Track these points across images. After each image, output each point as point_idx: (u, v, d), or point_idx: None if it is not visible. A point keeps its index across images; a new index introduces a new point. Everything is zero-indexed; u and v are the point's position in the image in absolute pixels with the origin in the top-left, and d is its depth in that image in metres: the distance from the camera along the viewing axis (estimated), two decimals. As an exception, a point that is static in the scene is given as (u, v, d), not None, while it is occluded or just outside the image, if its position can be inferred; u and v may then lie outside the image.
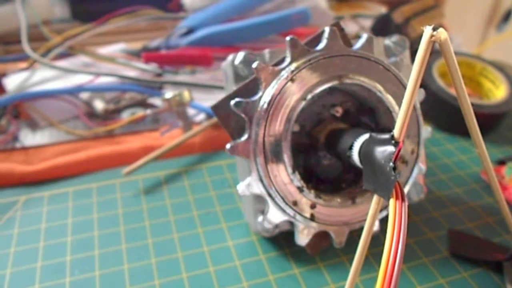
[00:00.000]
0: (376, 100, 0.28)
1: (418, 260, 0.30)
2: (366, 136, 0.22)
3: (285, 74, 0.25)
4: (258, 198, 0.28)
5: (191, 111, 0.43)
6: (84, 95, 0.44)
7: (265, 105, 0.25)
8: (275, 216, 0.27)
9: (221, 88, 0.46)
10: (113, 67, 0.50)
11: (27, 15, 0.52)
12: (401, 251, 0.14)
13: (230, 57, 0.28)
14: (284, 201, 0.26)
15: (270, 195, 0.26)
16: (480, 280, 0.29)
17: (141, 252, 0.30)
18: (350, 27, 0.63)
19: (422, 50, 0.16)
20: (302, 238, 0.28)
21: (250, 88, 0.26)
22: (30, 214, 0.33)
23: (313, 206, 0.27)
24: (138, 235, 0.31)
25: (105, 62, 0.51)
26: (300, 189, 0.26)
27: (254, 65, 0.25)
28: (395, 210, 0.15)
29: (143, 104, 0.46)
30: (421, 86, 0.43)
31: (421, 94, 0.29)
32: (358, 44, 0.27)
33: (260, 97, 0.26)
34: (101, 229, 0.31)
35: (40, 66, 0.49)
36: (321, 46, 0.26)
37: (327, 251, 0.30)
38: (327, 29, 0.26)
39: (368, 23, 0.63)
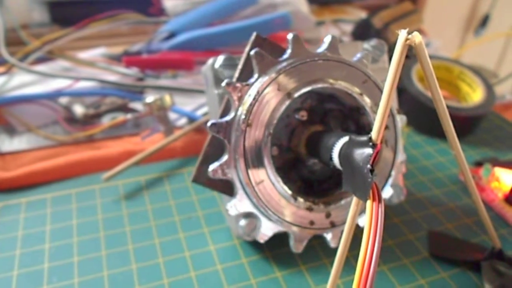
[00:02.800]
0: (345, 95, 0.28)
1: (398, 261, 0.30)
2: (345, 139, 0.22)
3: (254, 89, 0.25)
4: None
5: (172, 115, 0.42)
6: (63, 100, 0.44)
7: (242, 119, 0.25)
8: (268, 229, 0.27)
9: (202, 92, 0.46)
10: (93, 72, 0.50)
11: (5, 19, 0.52)
12: (377, 251, 0.15)
13: (210, 60, 0.28)
14: (275, 215, 0.26)
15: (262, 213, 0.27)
16: (459, 280, 0.29)
17: (122, 258, 0.29)
18: (332, 32, 0.63)
19: (398, 54, 0.16)
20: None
21: (227, 109, 0.26)
22: (6, 222, 0.32)
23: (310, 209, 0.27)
24: (118, 241, 0.31)
25: (85, 67, 0.50)
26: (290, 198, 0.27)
27: (223, 83, 0.25)
28: (372, 211, 0.16)
29: (124, 109, 0.45)
30: (401, 89, 0.44)
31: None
32: (324, 47, 0.27)
33: (234, 117, 0.25)
34: (81, 236, 0.31)
35: (18, 71, 0.48)
36: (287, 54, 0.26)
37: (309, 254, 0.30)
38: (289, 36, 0.26)
39: (349, 27, 0.64)
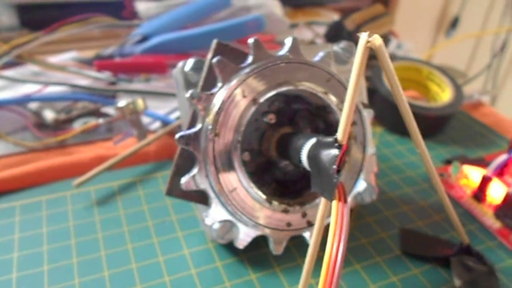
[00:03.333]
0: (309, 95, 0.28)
1: (371, 259, 0.31)
2: (313, 140, 0.22)
3: (219, 98, 0.25)
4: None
5: (145, 119, 0.42)
6: (33, 105, 0.43)
7: (209, 129, 0.25)
8: (246, 234, 0.27)
9: (175, 95, 0.46)
10: (64, 76, 0.49)
11: (-29, 22, 0.50)
12: (343, 251, 0.15)
13: (180, 63, 0.28)
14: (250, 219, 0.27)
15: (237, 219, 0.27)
16: (429, 276, 0.30)
17: (94, 265, 0.29)
18: (305, 34, 0.64)
19: (359, 56, 0.16)
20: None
21: (194, 120, 0.26)
22: (-27, 231, 0.31)
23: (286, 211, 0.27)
24: (90, 248, 0.30)
25: (56, 71, 0.49)
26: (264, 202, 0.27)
27: (187, 94, 0.25)
28: (338, 211, 0.16)
29: (96, 113, 0.45)
30: (372, 90, 0.44)
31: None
32: (285, 49, 0.27)
33: (201, 128, 0.25)
34: (51, 244, 0.30)
35: (-15, 76, 0.47)
36: (249, 60, 0.26)
37: (283, 255, 0.30)
38: (250, 41, 0.26)
39: (322, 30, 0.64)
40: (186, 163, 0.27)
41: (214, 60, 0.25)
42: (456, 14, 1.12)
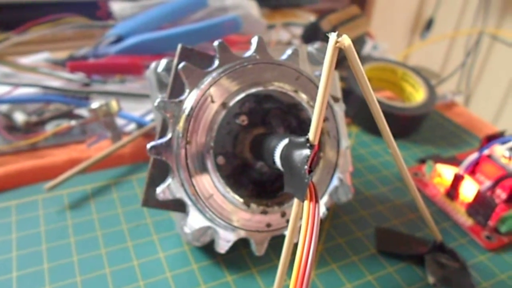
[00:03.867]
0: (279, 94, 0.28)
1: (347, 259, 0.31)
2: (286, 141, 0.22)
3: (188, 104, 0.25)
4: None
5: (120, 121, 0.41)
6: (3, 107, 0.42)
7: (180, 138, 0.25)
8: (226, 239, 0.27)
9: (149, 96, 0.45)
10: (36, 78, 0.48)
11: None
12: (313, 250, 0.15)
13: (153, 64, 0.28)
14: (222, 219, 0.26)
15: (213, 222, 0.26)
16: (404, 273, 0.30)
17: (65, 271, 0.28)
18: (282, 35, 0.64)
19: (329, 56, 0.16)
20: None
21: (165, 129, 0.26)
22: None
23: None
24: (62, 253, 0.29)
25: (27, 72, 0.48)
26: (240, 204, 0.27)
27: (156, 103, 0.24)
28: (309, 212, 0.16)
29: (69, 115, 0.44)
30: (348, 91, 0.45)
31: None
32: (252, 49, 0.27)
33: (171, 137, 0.25)
34: (21, 250, 0.29)
35: (-47, 77, 0.46)
36: (215, 63, 0.26)
37: (259, 256, 0.30)
38: (215, 44, 0.26)
39: (299, 31, 0.65)
40: (160, 172, 0.26)
41: (180, 66, 0.25)
42: (431, 16, 1.14)
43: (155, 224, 0.32)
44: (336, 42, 0.16)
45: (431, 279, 0.29)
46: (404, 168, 0.23)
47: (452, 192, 0.36)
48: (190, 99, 0.25)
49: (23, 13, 0.55)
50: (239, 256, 0.30)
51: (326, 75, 0.16)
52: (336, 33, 0.16)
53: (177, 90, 0.26)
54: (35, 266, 0.28)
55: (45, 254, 0.29)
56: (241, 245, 0.30)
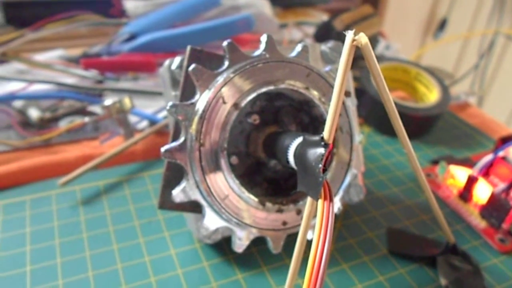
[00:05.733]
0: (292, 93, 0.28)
1: (358, 259, 0.31)
2: (300, 139, 0.22)
3: (200, 106, 0.25)
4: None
5: (133, 118, 0.42)
6: (18, 103, 0.42)
7: (193, 140, 0.25)
8: (243, 238, 0.27)
9: (162, 94, 0.45)
10: (50, 74, 0.48)
11: (-46, 19, 0.49)
12: (327, 249, 0.15)
13: (166, 62, 0.28)
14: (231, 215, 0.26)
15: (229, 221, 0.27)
16: (416, 275, 0.30)
17: (78, 266, 0.28)
18: (295, 34, 0.64)
19: (345, 54, 0.16)
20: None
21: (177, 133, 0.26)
22: (-46, 231, 0.30)
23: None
24: (74, 248, 0.30)
25: (42, 69, 0.48)
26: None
27: (168, 106, 0.24)
28: (323, 210, 0.16)
29: (83, 112, 0.44)
30: (361, 91, 0.44)
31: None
32: (261, 48, 0.27)
33: (185, 139, 0.25)
34: (34, 244, 0.30)
35: (-31, 73, 0.46)
36: (225, 64, 0.26)
37: (270, 255, 0.30)
38: (225, 44, 0.26)
39: (311, 30, 0.64)
40: (175, 174, 0.26)
41: (190, 68, 0.25)
42: (444, 16, 1.13)
43: (166, 221, 0.32)
44: (353, 40, 0.16)
45: (443, 281, 0.29)
46: (418, 169, 0.23)
47: (466, 194, 0.36)
48: (201, 101, 0.25)
49: (38, 11, 0.56)
50: (250, 254, 0.30)
51: (342, 74, 0.16)
52: (353, 31, 0.16)
53: (188, 91, 0.26)
54: (48, 261, 0.29)
55: (58, 248, 0.29)
56: (252, 243, 0.30)
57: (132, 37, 0.52)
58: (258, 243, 0.30)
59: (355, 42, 0.16)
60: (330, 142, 0.18)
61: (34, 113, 0.41)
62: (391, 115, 0.20)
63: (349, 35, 0.16)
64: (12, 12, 0.57)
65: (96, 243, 0.30)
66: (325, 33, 0.56)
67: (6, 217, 0.32)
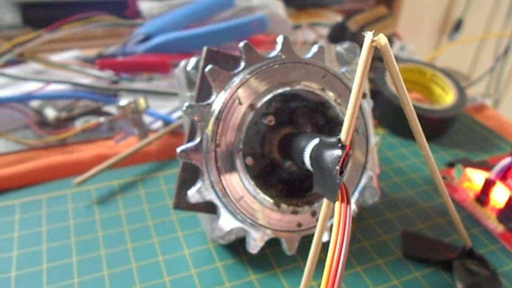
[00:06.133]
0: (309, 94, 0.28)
1: (372, 262, 0.30)
2: (316, 141, 0.22)
3: (216, 107, 0.25)
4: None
5: (147, 119, 0.42)
6: (35, 103, 0.43)
7: (209, 141, 0.25)
8: (258, 239, 0.27)
9: (177, 95, 0.45)
10: (66, 74, 0.49)
11: (-26, 20, 0.50)
12: (345, 252, 0.15)
13: (182, 63, 0.28)
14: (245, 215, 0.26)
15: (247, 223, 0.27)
16: (431, 279, 0.29)
17: (93, 264, 0.29)
18: (308, 35, 0.64)
19: (364, 55, 0.16)
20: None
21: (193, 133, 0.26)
22: (-27, 229, 0.31)
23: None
24: (90, 246, 0.30)
25: (58, 69, 0.49)
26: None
27: (184, 107, 0.25)
28: (340, 212, 0.16)
29: (98, 112, 0.44)
30: (375, 92, 0.44)
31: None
32: (277, 49, 0.27)
33: (201, 140, 0.25)
34: (51, 242, 0.30)
35: (-13, 73, 0.47)
36: (241, 65, 0.26)
37: (284, 256, 0.30)
38: (241, 45, 0.26)
39: (325, 31, 0.64)
40: (190, 175, 0.26)
41: (207, 69, 0.25)
42: (460, 17, 1.12)
43: (180, 221, 0.33)
44: (372, 41, 0.16)
45: (459, 286, 0.28)
46: (436, 171, 0.22)
47: (483, 197, 0.35)
48: (217, 101, 0.25)
49: (55, 12, 0.57)
50: (264, 256, 0.30)
51: (360, 75, 0.16)
52: (373, 32, 0.16)
53: (204, 92, 0.26)
54: (64, 259, 0.29)
55: (74, 247, 0.30)
56: (266, 244, 0.30)
57: (146, 38, 0.52)
58: (272, 244, 0.30)
59: (374, 43, 0.16)
60: (347, 143, 0.18)
61: (50, 113, 0.42)
62: (409, 117, 0.19)
63: (368, 36, 0.16)
64: (30, 13, 0.58)
65: (111, 242, 0.30)
66: (339, 34, 0.56)
67: (23, 215, 0.32)
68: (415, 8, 1.12)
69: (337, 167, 0.17)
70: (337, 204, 0.16)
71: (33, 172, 0.35)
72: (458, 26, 1.13)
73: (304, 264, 0.30)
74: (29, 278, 0.27)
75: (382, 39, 0.16)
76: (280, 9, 0.60)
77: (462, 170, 0.37)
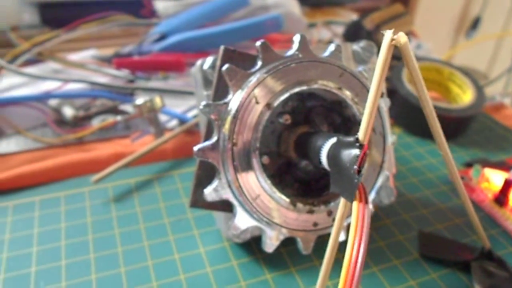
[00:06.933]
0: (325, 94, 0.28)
1: (389, 262, 0.30)
2: (333, 140, 0.22)
3: (233, 106, 0.25)
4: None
5: (163, 117, 0.42)
6: (53, 102, 0.44)
7: (226, 140, 0.25)
8: (273, 238, 0.27)
9: (193, 93, 0.46)
10: (83, 74, 0.49)
11: (-6, 20, 0.51)
12: (363, 252, 0.14)
13: (199, 62, 0.28)
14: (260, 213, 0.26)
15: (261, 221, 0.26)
16: (449, 280, 0.29)
17: (110, 261, 0.29)
18: (323, 34, 0.64)
19: (383, 54, 0.16)
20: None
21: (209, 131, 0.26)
22: (-6, 225, 0.31)
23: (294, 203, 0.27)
24: (107, 243, 0.30)
25: (75, 68, 0.50)
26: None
27: (201, 106, 0.25)
28: (358, 212, 0.16)
29: (114, 111, 0.45)
30: (391, 91, 0.44)
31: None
32: (294, 48, 0.26)
33: (218, 138, 0.25)
34: (69, 239, 0.31)
35: (7, 73, 0.48)
36: (258, 64, 0.26)
37: (299, 256, 0.30)
38: (258, 44, 0.25)
39: (340, 29, 0.64)
40: (207, 173, 0.27)
41: (224, 68, 0.25)
42: (477, 15, 1.10)
43: (196, 219, 0.33)
44: (392, 39, 0.15)
45: (477, 288, 0.28)
46: (455, 171, 0.22)
47: (501, 198, 0.34)
48: (234, 100, 0.25)
49: (72, 12, 0.57)
50: (279, 254, 0.30)
51: (379, 73, 0.16)
52: (392, 30, 0.15)
53: (221, 91, 0.26)
54: (82, 255, 0.29)
55: (91, 244, 0.30)
56: (281, 243, 0.30)
57: (162, 37, 0.53)
58: (287, 243, 0.30)
59: (393, 42, 0.16)
60: (365, 143, 0.18)
61: (68, 112, 0.42)
62: (428, 116, 0.19)
63: (388, 34, 0.16)
64: (48, 13, 0.59)
65: (128, 240, 0.31)
66: (354, 32, 0.55)
67: (42, 212, 0.33)
68: (432, 5, 1.11)
69: (355, 167, 0.17)
70: (355, 204, 0.16)
71: (52, 170, 0.36)
72: (475, 24, 1.11)
73: (320, 264, 0.30)
74: (49, 273, 0.28)
75: (402, 37, 0.15)
76: (295, 8, 0.60)
77: (480, 170, 0.37)
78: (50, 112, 0.43)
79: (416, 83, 0.17)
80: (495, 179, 0.36)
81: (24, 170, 0.35)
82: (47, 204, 0.34)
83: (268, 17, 0.52)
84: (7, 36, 0.51)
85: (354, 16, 0.70)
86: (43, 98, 0.43)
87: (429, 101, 0.19)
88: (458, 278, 0.29)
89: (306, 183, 0.30)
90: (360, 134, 0.18)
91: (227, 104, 0.25)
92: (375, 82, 0.16)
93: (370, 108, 0.17)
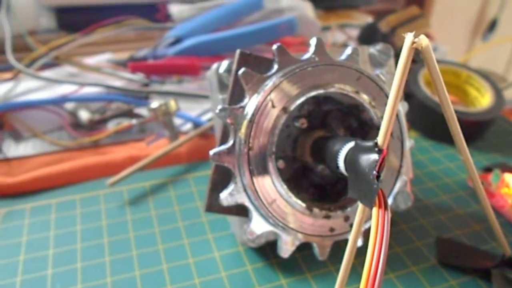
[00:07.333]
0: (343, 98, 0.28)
1: (406, 268, 0.30)
2: (351, 144, 0.22)
3: (249, 110, 0.25)
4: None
5: (177, 121, 0.42)
6: (69, 105, 0.44)
7: (242, 144, 0.25)
8: (289, 243, 0.27)
9: (207, 97, 0.46)
10: (99, 77, 0.50)
11: (12, 25, 0.52)
12: (383, 259, 0.14)
13: (214, 65, 0.28)
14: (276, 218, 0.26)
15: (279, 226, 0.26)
16: (468, 288, 0.28)
17: (125, 265, 0.29)
18: (338, 37, 0.63)
19: (404, 57, 0.16)
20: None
21: (225, 135, 0.26)
22: (10, 227, 0.32)
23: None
24: (122, 247, 0.30)
25: (91, 72, 0.50)
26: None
27: (217, 110, 0.24)
28: (378, 219, 0.15)
29: (129, 114, 0.45)
30: (408, 94, 0.43)
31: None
32: (311, 51, 0.26)
33: (234, 142, 0.25)
34: (85, 242, 0.31)
35: (25, 77, 0.49)
36: (274, 68, 0.25)
37: (314, 261, 0.30)
38: (274, 48, 0.25)
39: (355, 32, 0.63)
40: (222, 178, 0.26)
41: (240, 72, 0.25)
42: (494, 17, 1.08)
43: (210, 223, 0.33)
44: (413, 42, 0.15)
45: (498, 296, 0.27)
46: (476, 176, 0.22)
47: (522, 204, 0.34)
48: (251, 104, 0.25)
49: (89, 16, 0.58)
50: (294, 260, 0.30)
51: (400, 77, 0.16)
52: (413, 33, 0.15)
53: (237, 95, 0.26)
54: (97, 258, 0.29)
55: (107, 247, 0.30)
56: (296, 248, 0.30)
57: (177, 41, 0.53)
58: (302, 248, 0.29)
59: (414, 45, 0.15)
60: (385, 147, 0.18)
61: (84, 115, 0.43)
62: (449, 120, 0.19)
63: (409, 37, 0.15)
64: (65, 17, 0.60)
65: (142, 243, 0.31)
66: (369, 35, 0.55)
67: (58, 214, 0.33)
68: (447, 7, 1.09)
69: (374, 172, 0.17)
70: (375, 210, 0.16)
71: (68, 172, 0.36)
72: (492, 26, 1.10)
73: (335, 269, 0.29)
74: (64, 276, 0.28)
75: (423, 40, 0.15)
76: (309, 11, 0.60)
77: (500, 175, 0.36)
78: (66, 116, 0.44)
79: (437, 86, 0.17)
80: (515, 184, 0.35)
81: (41, 173, 0.35)
82: (63, 206, 0.34)
83: (282, 20, 0.52)
84: (25, 40, 0.52)
85: (369, 19, 0.70)
86: (59, 101, 0.44)
87: (450, 105, 0.18)
88: (478, 285, 0.28)
89: (322, 188, 0.29)
90: (380, 139, 0.18)
91: (243, 108, 0.25)
92: (395, 86, 0.16)
93: (390, 113, 0.17)
